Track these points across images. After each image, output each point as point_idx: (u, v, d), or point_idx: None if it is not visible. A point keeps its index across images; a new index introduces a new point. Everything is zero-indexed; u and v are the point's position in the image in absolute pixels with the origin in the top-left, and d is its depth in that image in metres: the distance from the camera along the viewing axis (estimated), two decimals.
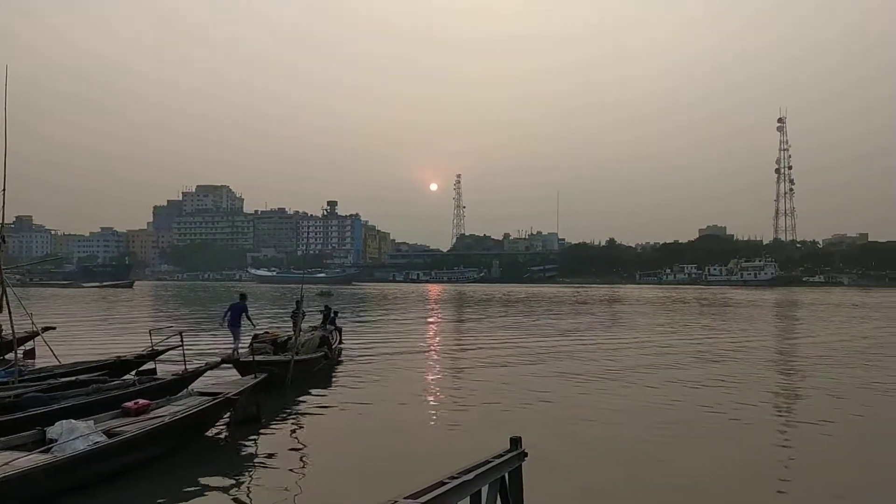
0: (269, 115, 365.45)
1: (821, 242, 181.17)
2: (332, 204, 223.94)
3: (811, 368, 17.41)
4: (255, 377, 11.07)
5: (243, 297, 15.80)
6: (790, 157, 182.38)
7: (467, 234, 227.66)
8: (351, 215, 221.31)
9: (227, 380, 11.89)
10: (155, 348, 13.82)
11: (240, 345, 15.53)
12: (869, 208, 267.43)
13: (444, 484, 4.30)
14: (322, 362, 16.00)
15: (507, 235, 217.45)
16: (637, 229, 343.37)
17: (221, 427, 10.16)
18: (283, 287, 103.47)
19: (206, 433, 9.67)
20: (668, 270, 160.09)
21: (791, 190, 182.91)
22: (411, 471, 7.26)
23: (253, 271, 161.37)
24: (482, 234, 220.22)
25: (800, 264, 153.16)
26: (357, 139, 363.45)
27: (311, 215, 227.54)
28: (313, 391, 13.55)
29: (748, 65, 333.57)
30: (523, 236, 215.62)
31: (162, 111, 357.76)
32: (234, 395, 9.89)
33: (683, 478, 7.83)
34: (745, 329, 30.09)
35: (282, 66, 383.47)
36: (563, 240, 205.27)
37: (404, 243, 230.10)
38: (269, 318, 32.79)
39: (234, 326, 15.18)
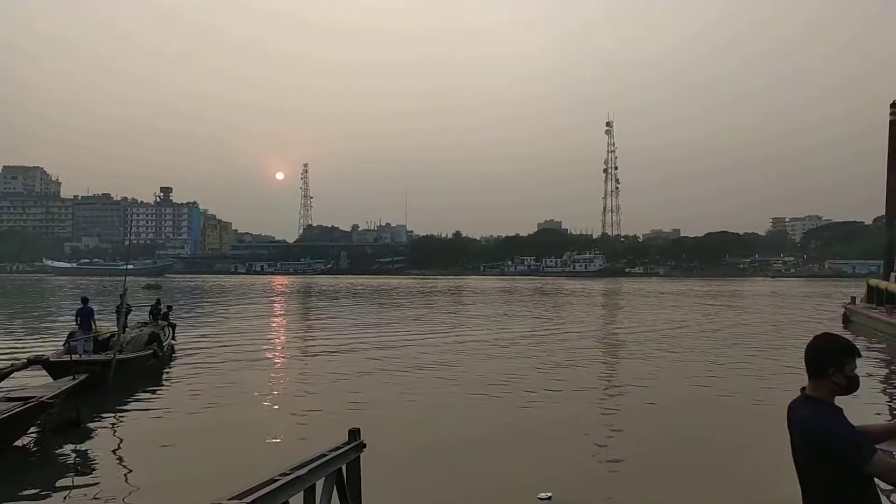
0: (95, 84, 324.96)
1: (641, 237, 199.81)
2: (167, 190, 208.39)
3: (626, 348, 19.28)
4: (74, 378, 10.23)
5: (85, 300, 15.41)
6: (617, 157, 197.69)
7: (315, 225, 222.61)
8: (188, 203, 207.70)
9: (38, 383, 10.86)
10: None
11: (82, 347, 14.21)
12: (680, 207, 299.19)
13: (275, 481, 4.28)
14: (151, 360, 15.09)
15: (355, 227, 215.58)
16: (482, 223, 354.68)
17: (34, 434, 9.30)
18: (85, 280, 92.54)
19: (16, 442, 8.82)
20: (510, 262, 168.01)
21: (617, 188, 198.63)
22: (246, 472, 7.10)
23: (49, 263, 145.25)
24: (330, 226, 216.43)
25: (623, 256, 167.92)
26: (195, 121, 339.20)
27: (143, 202, 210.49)
28: (141, 391, 12.81)
29: (599, 83, 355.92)
30: (372, 228, 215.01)
31: None
32: (48, 398, 9.11)
33: (522, 474, 8.12)
34: (576, 317, 32.56)
35: (105, 25, 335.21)
36: (412, 232, 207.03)
37: (248, 234, 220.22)
38: (69, 314, 25.76)
39: (87, 331, 14.64)
